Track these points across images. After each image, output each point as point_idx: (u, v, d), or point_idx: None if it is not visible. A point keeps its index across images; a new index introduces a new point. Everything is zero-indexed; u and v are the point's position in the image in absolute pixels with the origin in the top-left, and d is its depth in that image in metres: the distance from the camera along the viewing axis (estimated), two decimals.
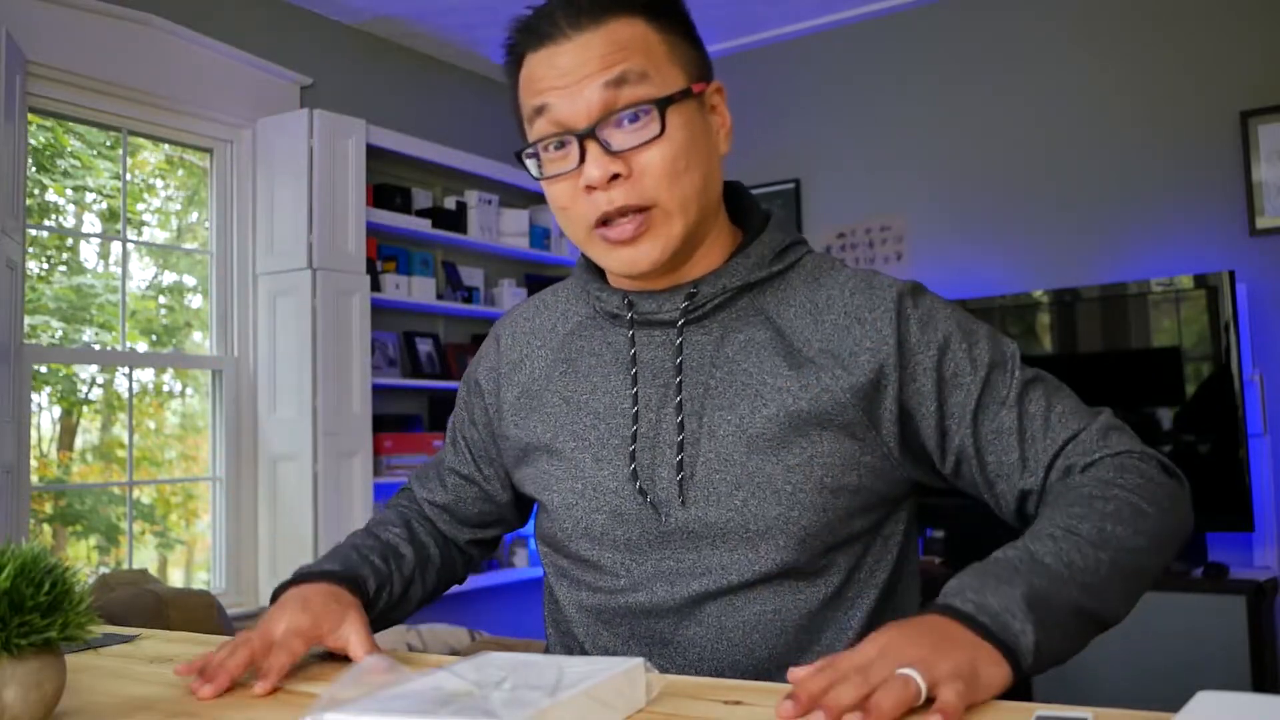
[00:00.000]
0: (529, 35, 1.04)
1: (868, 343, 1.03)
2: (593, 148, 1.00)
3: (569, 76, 1.00)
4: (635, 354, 1.09)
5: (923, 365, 1.03)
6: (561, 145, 1.03)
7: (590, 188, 1.01)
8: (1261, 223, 3.34)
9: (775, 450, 1.01)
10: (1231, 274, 3.15)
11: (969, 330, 1.05)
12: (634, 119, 1.00)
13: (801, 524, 1.01)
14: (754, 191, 1.19)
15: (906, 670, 0.72)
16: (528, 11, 1.05)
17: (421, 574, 1.20)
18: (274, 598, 1.06)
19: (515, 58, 1.06)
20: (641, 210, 1.01)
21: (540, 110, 1.02)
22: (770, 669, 1.03)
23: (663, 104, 1.00)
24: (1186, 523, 0.99)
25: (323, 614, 0.99)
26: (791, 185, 4.24)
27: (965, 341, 1.04)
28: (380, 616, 1.13)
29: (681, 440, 1.04)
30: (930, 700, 0.72)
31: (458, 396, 1.27)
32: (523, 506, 1.26)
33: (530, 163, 1.05)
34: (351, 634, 0.99)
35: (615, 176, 1.00)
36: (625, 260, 1.04)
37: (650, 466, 1.05)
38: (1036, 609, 0.82)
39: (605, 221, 1.02)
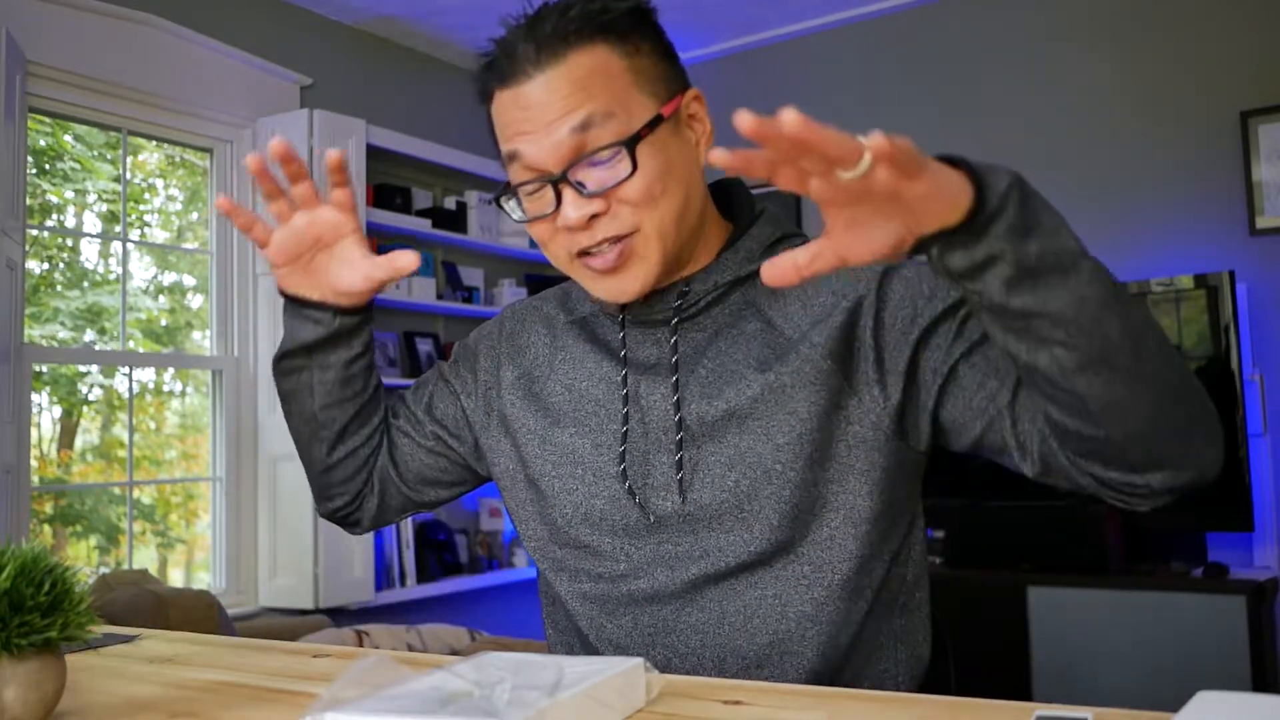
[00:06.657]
0: (495, 73, 1.03)
1: (843, 295, 1.04)
2: (568, 191, 1.00)
3: (536, 121, 1.00)
4: (626, 354, 1.11)
5: (903, 303, 1.02)
6: (539, 187, 1.02)
7: (569, 228, 1.01)
8: (1261, 223, 3.34)
9: (765, 429, 1.02)
10: (1231, 274, 3.14)
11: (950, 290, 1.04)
12: (604, 161, 0.99)
13: (793, 501, 1.02)
14: (753, 191, 1.19)
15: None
16: (491, 46, 1.04)
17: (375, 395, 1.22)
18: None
19: (486, 94, 1.05)
20: (622, 237, 1.02)
21: (513, 156, 1.02)
22: (773, 656, 1.03)
23: (632, 143, 0.99)
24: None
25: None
26: None
27: (950, 292, 1.03)
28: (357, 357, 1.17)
29: (680, 439, 1.05)
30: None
31: (450, 357, 1.27)
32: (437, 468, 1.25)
33: (510, 205, 1.05)
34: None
35: (594, 216, 1.00)
36: (608, 290, 1.05)
37: (644, 455, 1.06)
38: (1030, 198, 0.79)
39: (586, 251, 1.03)
